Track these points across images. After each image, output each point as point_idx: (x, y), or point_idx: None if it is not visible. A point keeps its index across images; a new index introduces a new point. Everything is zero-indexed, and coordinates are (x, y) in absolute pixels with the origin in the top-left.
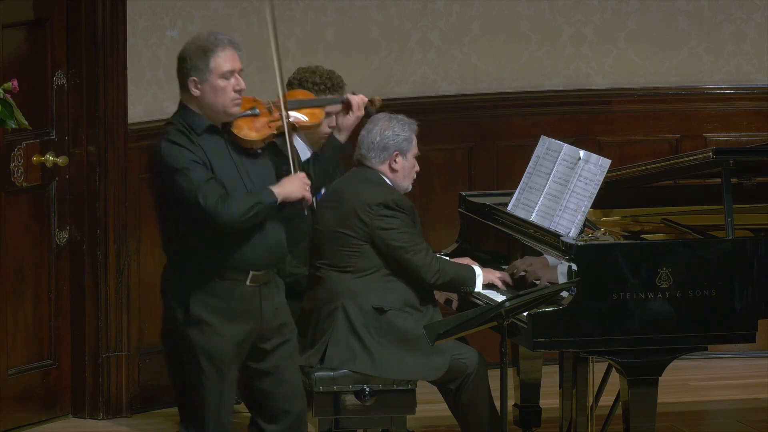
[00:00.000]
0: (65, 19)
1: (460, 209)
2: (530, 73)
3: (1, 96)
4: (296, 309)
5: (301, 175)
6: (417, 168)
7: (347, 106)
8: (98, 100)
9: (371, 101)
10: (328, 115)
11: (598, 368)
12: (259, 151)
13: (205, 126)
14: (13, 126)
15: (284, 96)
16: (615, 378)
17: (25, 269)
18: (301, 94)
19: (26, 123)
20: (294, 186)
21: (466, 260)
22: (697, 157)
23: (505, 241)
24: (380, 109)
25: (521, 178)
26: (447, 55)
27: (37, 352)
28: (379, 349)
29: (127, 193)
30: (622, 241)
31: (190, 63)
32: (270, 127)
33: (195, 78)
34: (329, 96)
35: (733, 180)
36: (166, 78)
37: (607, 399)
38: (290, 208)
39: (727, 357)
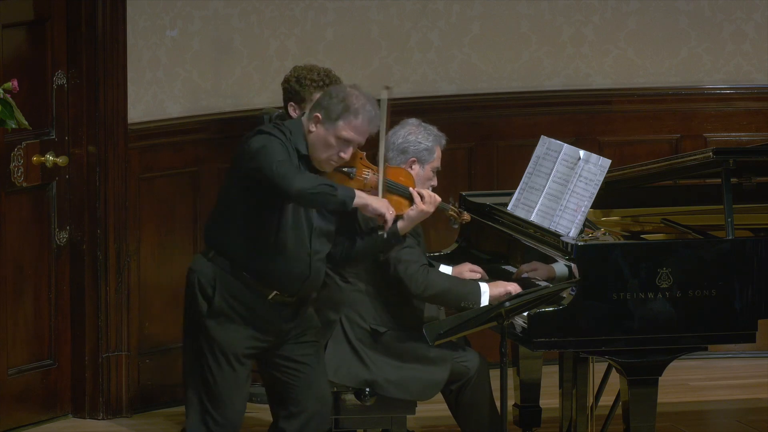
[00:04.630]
0: (65, 19)
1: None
2: (530, 73)
3: (1, 96)
4: None
5: (387, 203)
6: (434, 182)
7: (422, 198)
8: (98, 100)
9: (459, 215)
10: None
11: (598, 368)
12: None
13: (303, 153)
14: (13, 126)
15: (384, 174)
16: (615, 378)
17: (25, 269)
18: (403, 175)
19: (26, 123)
20: (378, 202)
21: (465, 267)
22: (697, 157)
23: (505, 241)
24: (462, 224)
25: (521, 178)
26: (447, 55)
27: (37, 352)
28: (376, 367)
29: (127, 193)
30: (622, 241)
31: (328, 102)
32: None
33: (320, 116)
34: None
35: (733, 180)
36: (166, 78)
37: (607, 399)
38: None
39: (727, 357)
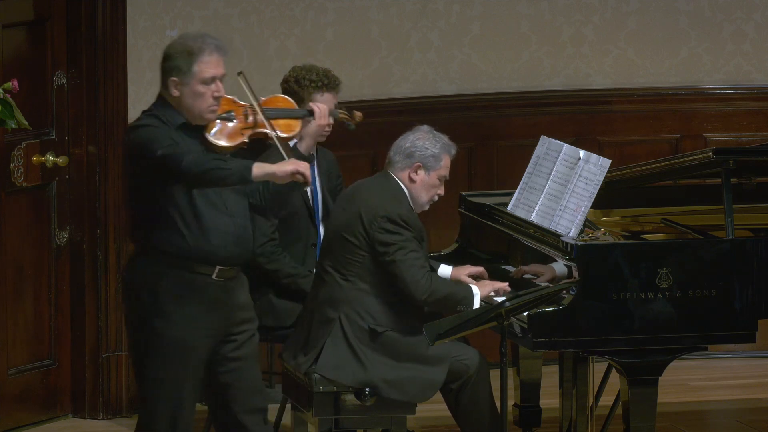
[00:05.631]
0: (65, 19)
1: (460, 209)
2: (530, 73)
3: (1, 96)
4: (290, 309)
5: (294, 160)
6: (440, 191)
7: (311, 114)
8: (98, 100)
9: (351, 116)
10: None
11: (598, 368)
12: (229, 156)
13: (180, 122)
14: (13, 126)
15: (260, 104)
16: (615, 378)
17: (25, 269)
18: (281, 101)
19: (26, 123)
20: (283, 165)
21: (466, 269)
22: (697, 157)
23: (505, 241)
24: (359, 124)
25: (521, 178)
26: (447, 55)
27: (37, 352)
28: (373, 367)
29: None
30: (622, 241)
31: (173, 63)
32: (242, 134)
33: (176, 79)
34: (300, 108)
35: (733, 180)
36: None
37: (607, 399)
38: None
39: (727, 357)
